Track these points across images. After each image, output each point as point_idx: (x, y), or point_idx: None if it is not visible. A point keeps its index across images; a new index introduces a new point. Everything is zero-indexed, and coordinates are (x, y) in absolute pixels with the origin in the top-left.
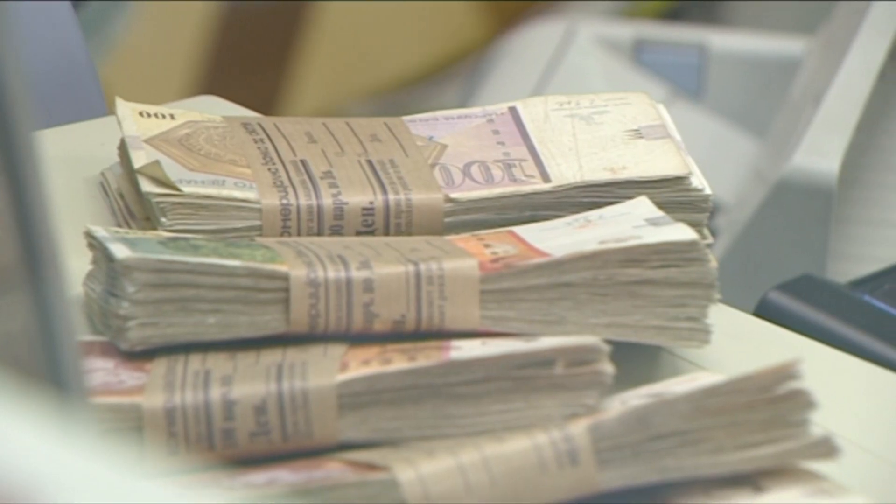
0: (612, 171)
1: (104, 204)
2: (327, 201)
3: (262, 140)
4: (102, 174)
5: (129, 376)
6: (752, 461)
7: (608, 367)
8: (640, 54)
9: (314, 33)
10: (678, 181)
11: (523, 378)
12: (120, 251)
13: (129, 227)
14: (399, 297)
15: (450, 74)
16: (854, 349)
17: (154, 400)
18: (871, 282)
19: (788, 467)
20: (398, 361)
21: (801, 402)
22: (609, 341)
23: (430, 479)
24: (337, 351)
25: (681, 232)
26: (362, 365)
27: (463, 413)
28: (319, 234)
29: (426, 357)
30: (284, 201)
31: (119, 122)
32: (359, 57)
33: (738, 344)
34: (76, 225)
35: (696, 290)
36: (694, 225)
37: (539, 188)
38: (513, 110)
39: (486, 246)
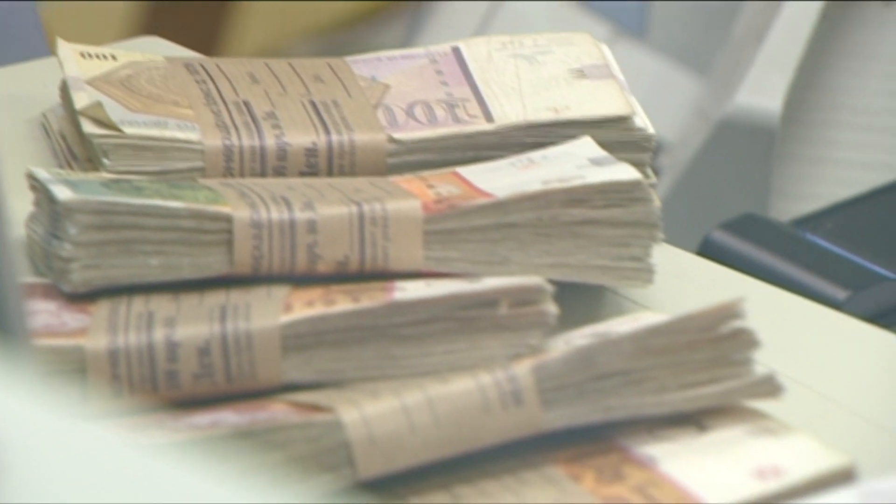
0: (556, 111)
1: (46, 145)
2: (270, 142)
3: (204, 81)
4: (44, 115)
5: (71, 318)
6: (695, 400)
7: (552, 308)
8: None
9: None
10: (621, 121)
11: (467, 319)
12: (62, 193)
13: (72, 168)
14: (342, 238)
15: (392, 15)
16: (796, 287)
17: (97, 342)
18: (813, 220)
19: (732, 406)
20: (342, 303)
21: (744, 341)
22: (553, 281)
23: (374, 419)
24: (280, 292)
25: (624, 172)
26: (306, 306)
27: (407, 354)
28: (262, 175)
29: (370, 298)
30: (227, 142)
31: (60, 63)
32: None
33: (681, 283)
34: (18, 166)
35: (639, 230)
36: (637, 165)
37: (482, 128)
38: (456, 51)
39: (430, 187)
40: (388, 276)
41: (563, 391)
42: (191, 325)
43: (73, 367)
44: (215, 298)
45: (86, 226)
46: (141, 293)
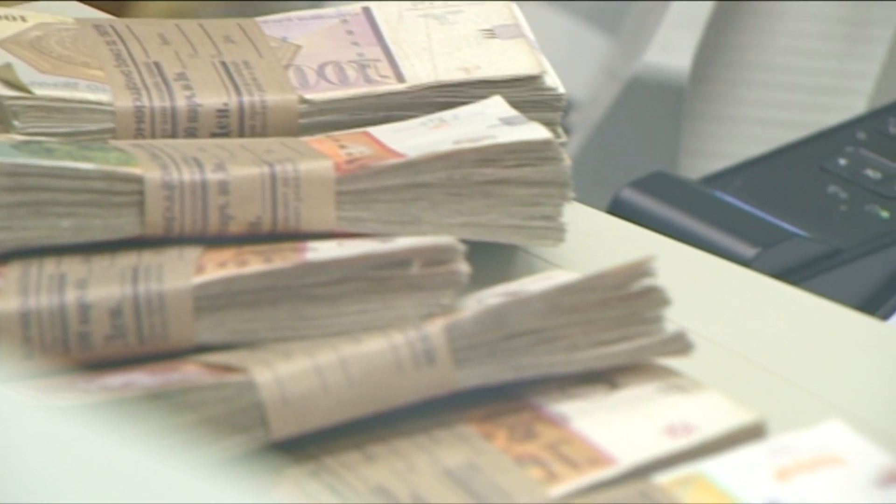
0: (466, 70)
1: None
2: (181, 103)
3: (114, 42)
4: None
5: None
6: (606, 358)
7: (464, 267)
8: None
9: None
10: (532, 80)
11: (380, 279)
12: None
13: None
14: (254, 198)
15: None
16: (706, 245)
17: (8, 304)
18: (722, 177)
19: (643, 364)
20: (254, 263)
21: (655, 298)
22: (464, 241)
23: (287, 380)
24: (193, 253)
25: (535, 131)
26: (218, 267)
27: (320, 314)
28: (174, 136)
29: (282, 259)
30: (138, 103)
31: None
32: None
33: (592, 242)
34: None
35: (550, 189)
36: (548, 124)
37: (393, 88)
38: (367, 10)
39: (342, 147)
40: (300, 236)
41: (475, 350)
42: (103, 286)
43: None
44: (127, 260)
45: None
46: (52, 255)
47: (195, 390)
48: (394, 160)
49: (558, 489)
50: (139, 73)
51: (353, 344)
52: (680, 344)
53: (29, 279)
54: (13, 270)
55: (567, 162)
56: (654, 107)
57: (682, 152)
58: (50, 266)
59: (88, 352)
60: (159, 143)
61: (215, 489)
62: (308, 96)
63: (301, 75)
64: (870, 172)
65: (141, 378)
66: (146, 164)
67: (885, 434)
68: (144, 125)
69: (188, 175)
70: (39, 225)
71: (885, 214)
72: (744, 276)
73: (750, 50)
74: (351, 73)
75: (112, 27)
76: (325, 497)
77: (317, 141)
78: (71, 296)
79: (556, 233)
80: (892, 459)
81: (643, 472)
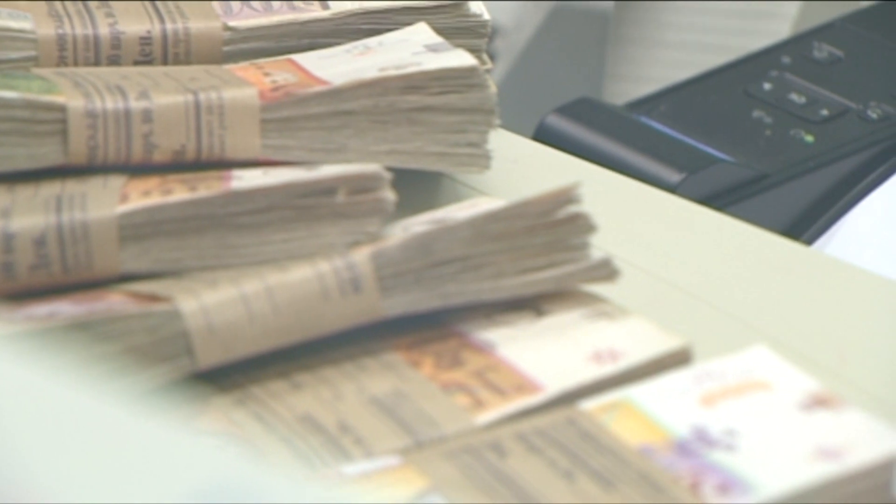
0: None
1: None
2: (104, 31)
3: None
4: None
5: None
6: (533, 285)
7: (389, 195)
8: None
9: None
10: (456, 7)
11: (305, 207)
12: None
13: None
14: (178, 127)
15: None
16: (632, 170)
17: None
18: (647, 103)
19: (569, 291)
20: (179, 192)
21: (581, 225)
22: (391, 168)
23: (212, 308)
24: (117, 182)
25: (460, 58)
26: (143, 196)
27: (245, 243)
28: (97, 64)
29: (207, 187)
30: (60, 31)
31: None
32: None
33: (518, 169)
34: None
35: (475, 116)
36: (473, 50)
37: (317, 15)
38: None
39: (266, 74)
40: (225, 164)
41: (402, 278)
42: (26, 216)
43: None
44: (51, 189)
45: None
46: None
47: (120, 319)
48: (319, 87)
49: (485, 416)
50: (61, 0)
51: (279, 272)
52: (606, 270)
53: None
54: None
55: (492, 88)
56: (578, 32)
57: (607, 77)
58: None
59: (12, 281)
60: (82, 71)
61: (140, 419)
62: (232, 23)
63: (225, 3)
64: (794, 97)
65: (66, 307)
66: (69, 93)
67: (809, 359)
68: (67, 53)
69: (111, 103)
70: None
71: (809, 139)
72: (669, 201)
73: None
74: (275, 0)
75: None
76: (251, 425)
77: (241, 69)
78: None
79: (482, 160)
80: (817, 384)
81: (570, 398)
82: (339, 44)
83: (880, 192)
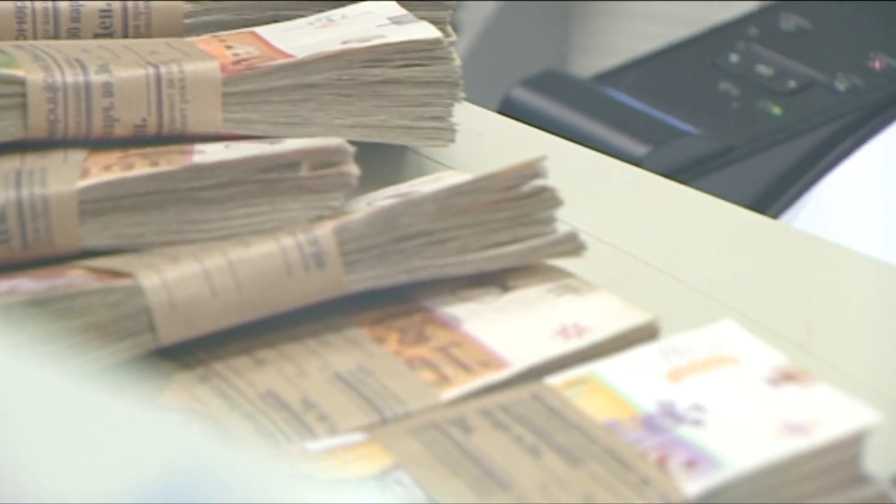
0: None
1: None
2: (63, 3)
3: None
4: None
5: None
6: (498, 260)
7: (353, 169)
8: None
9: None
10: None
11: (268, 181)
12: None
13: None
14: (140, 100)
15: None
16: (598, 143)
17: None
18: (614, 75)
19: (535, 265)
20: (140, 166)
21: (547, 199)
22: (354, 142)
23: (174, 284)
24: (77, 157)
25: (424, 30)
26: (103, 170)
27: (207, 217)
28: (56, 37)
29: (169, 161)
30: (19, 3)
31: None
32: None
33: (483, 142)
34: None
35: (440, 89)
36: (437, 23)
37: None
38: None
39: (228, 47)
40: (187, 138)
41: (366, 253)
42: None
43: None
44: (10, 164)
45: None
46: None
47: (81, 295)
48: (281, 60)
49: (450, 392)
50: None
51: (242, 247)
52: (572, 245)
53: None
54: None
55: (457, 61)
56: (543, 4)
57: (572, 49)
58: None
59: None
60: (41, 44)
61: (102, 395)
62: None
63: None
64: (762, 68)
65: (26, 283)
66: (28, 66)
67: (777, 333)
68: (26, 25)
69: (71, 77)
70: None
71: (776, 111)
72: (635, 174)
73: None
74: None
75: None
76: (214, 402)
77: (203, 41)
78: None
79: (447, 133)
80: (785, 359)
81: (536, 374)
82: (301, 16)
83: (848, 165)
